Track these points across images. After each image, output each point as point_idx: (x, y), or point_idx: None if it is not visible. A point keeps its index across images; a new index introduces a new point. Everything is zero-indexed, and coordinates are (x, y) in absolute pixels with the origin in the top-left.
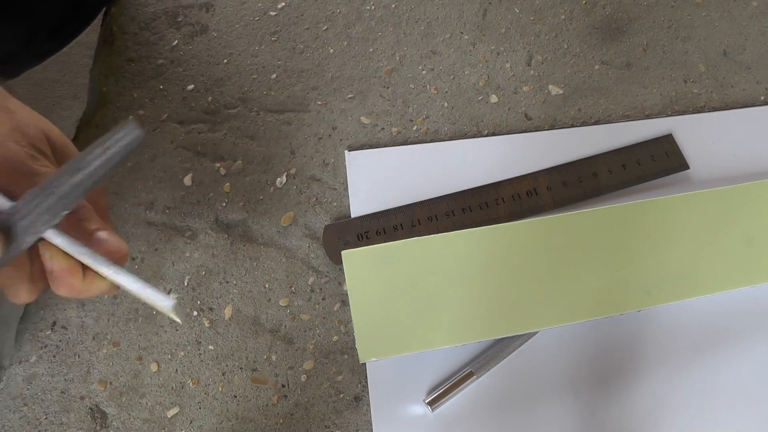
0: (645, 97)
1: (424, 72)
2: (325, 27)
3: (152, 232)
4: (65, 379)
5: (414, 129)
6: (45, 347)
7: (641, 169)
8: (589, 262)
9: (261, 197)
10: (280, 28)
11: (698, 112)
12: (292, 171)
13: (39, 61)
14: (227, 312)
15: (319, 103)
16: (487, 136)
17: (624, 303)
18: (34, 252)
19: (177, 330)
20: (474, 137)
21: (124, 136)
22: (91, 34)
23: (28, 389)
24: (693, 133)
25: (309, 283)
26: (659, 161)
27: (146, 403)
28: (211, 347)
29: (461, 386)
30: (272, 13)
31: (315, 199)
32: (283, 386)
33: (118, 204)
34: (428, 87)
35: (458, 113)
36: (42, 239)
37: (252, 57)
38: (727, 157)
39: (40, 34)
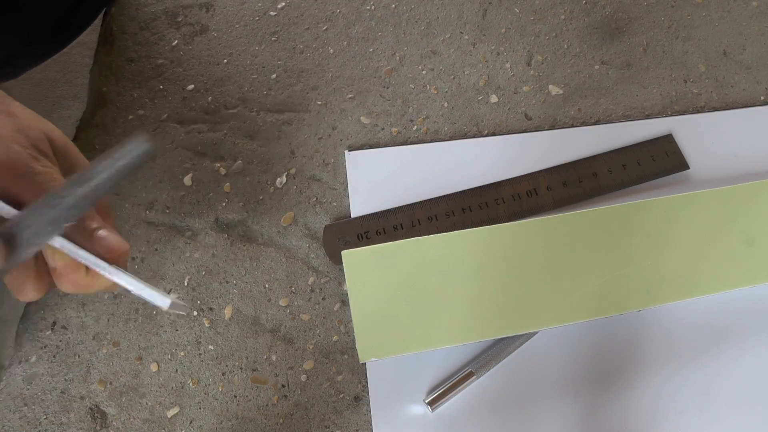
0: (645, 97)
1: (424, 72)
2: (325, 27)
3: (152, 232)
4: (65, 379)
5: (414, 129)
6: (45, 347)
7: (641, 169)
8: (589, 262)
9: (261, 197)
10: (280, 28)
11: (698, 112)
12: (292, 171)
13: (39, 62)
14: (227, 312)
15: (319, 103)
16: (487, 136)
17: (624, 303)
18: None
19: (177, 330)
20: (474, 137)
21: (133, 149)
22: (91, 34)
23: (28, 389)
24: (693, 133)
25: (309, 283)
26: (659, 161)
27: (146, 403)
28: (211, 347)
29: (461, 386)
30: (272, 13)
31: (315, 199)
32: (283, 386)
33: (118, 204)
34: (428, 87)
35: (458, 113)
36: None
37: (252, 57)
38: (727, 157)
39: (40, 34)
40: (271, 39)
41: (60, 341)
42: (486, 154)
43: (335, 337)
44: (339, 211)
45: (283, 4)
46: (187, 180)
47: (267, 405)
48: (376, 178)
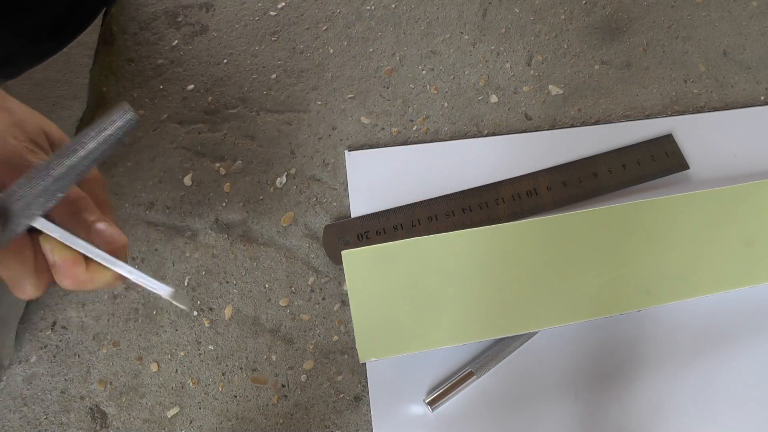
0: (645, 97)
1: (424, 72)
2: (325, 27)
3: (152, 232)
4: (65, 379)
5: (414, 129)
6: (45, 347)
7: (641, 169)
8: (589, 262)
9: (261, 197)
10: (280, 28)
11: (698, 112)
12: (292, 171)
13: (39, 61)
14: (227, 312)
15: (319, 103)
16: (487, 136)
17: (624, 303)
18: (37, 246)
19: (177, 330)
20: (474, 137)
21: (118, 119)
22: (91, 34)
23: (28, 389)
24: (693, 133)
25: (309, 283)
26: (659, 161)
27: (146, 403)
28: (211, 347)
29: (461, 386)
30: (272, 13)
31: (315, 199)
32: (283, 386)
33: (118, 204)
34: (428, 87)
35: (458, 113)
36: (41, 232)
37: (252, 57)
38: (727, 157)
39: (40, 34)
40: (271, 39)
41: (60, 341)
42: (486, 154)
43: (335, 337)
44: (339, 211)
45: (283, 4)
46: (187, 180)
47: (267, 405)
48: (376, 178)
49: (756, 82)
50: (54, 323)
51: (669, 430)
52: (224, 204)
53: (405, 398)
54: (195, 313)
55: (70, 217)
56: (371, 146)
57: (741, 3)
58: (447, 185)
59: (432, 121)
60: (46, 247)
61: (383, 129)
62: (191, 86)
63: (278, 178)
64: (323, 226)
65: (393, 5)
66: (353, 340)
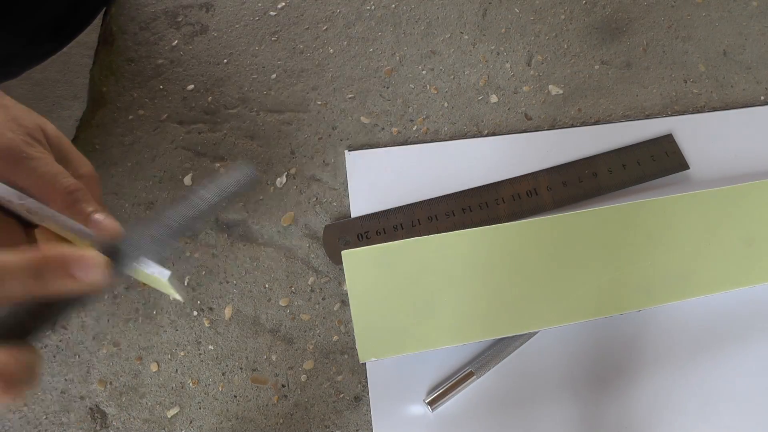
0: (645, 97)
1: (424, 72)
2: (325, 27)
3: None
4: (65, 379)
5: (414, 129)
6: (45, 347)
7: (641, 169)
8: (589, 262)
9: (261, 197)
10: (280, 28)
11: (698, 112)
12: (292, 171)
13: (39, 61)
14: (227, 312)
15: (319, 103)
16: (487, 136)
17: (624, 303)
18: (32, 240)
19: (177, 330)
20: (474, 137)
21: (239, 176)
22: (91, 34)
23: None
24: (693, 133)
25: (309, 283)
26: (659, 161)
27: (146, 403)
28: (211, 347)
29: (461, 386)
30: (272, 13)
31: (315, 199)
32: (283, 386)
33: (118, 204)
34: (428, 87)
35: (458, 113)
36: (36, 226)
37: (252, 57)
38: (727, 157)
39: (40, 34)
40: (271, 39)
41: (60, 341)
42: (486, 154)
43: (335, 337)
44: (339, 211)
45: (283, 4)
46: (187, 180)
47: (267, 405)
48: (376, 178)
49: (756, 82)
50: (54, 323)
51: (669, 430)
52: (224, 204)
53: (405, 398)
54: (195, 313)
55: (68, 207)
56: (371, 146)
57: (741, 3)
58: (447, 185)
59: (432, 121)
60: (41, 239)
61: (383, 129)
62: (191, 86)
63: (278, 178)
64: (323, 226)
65: (393, 5)
66: (353, 340)
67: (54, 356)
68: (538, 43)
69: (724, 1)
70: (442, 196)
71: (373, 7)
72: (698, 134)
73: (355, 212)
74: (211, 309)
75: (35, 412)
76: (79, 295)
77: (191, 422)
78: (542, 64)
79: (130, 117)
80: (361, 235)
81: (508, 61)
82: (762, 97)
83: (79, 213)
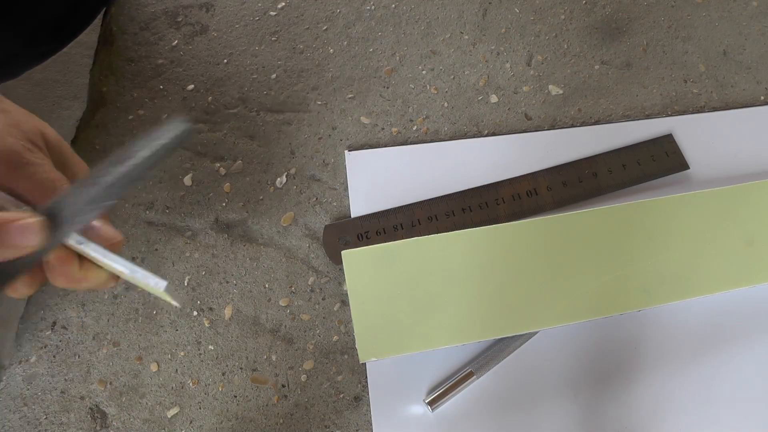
0: (645, 97)
1: (424, 72)
2: (325, 27)
3: (152, 232)
4: (65, 379)
5: (414, 129)
6: (45, 347)
7: (641, 169)
8: (589, 262)
9: (261, 197)
10: (280, 28)
11: (698, 112)
12: (292, 171)
13: (39, 61)
14: (227, 312)
15: (319, 103)
16: (487, 136)
17: (624, 303)
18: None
19: (177, 330)
20: (474, 137)
21: (171, 130)
22: (91, 34)
23: (28, 389)
24: (693, 133)
25: (309, 283)
26: (659, 161)
27: (146, 403)
28: (211, 347)
29: (461, 386)
30: (272, 13)
31: (315, 199)
32: (283, 386)
33: (118, 204)
34: (428, 87)
35: (458, 113)
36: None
37: (252, 57)
38: (727, 157)
39: (40, 34)
40: (271, 39)
41: (60, 341)
42: (486, 154)
43: (335, 337)
44: (339, 211)
45: (283, 4)
46: (187, 180)
47: (267, 405)
48: (376, 178)
49: (756, 82)
50: (54, 323)
51: (669, 430)
52: (224, 204)
53: (405, 398)
54: (195, 313)
55: None
56: (371, 146)
57: (741, 3)
58: (447, 185)
59: (432, 121)
60: None
61: (383, 129)
62: (191, 86)
63: (278, 178)
64: (323, 226)
65: (393, 5)
66: (353, 340)
67: (54, 356)
68: (538, 43)
69: (724, 1)
70: (442, 196)
71: (373, 7)
72: (698, 134)
73: (355, 212)
74: (211, 309)
75: (35, 412)
76: (19, 259)
77: (191, 422)
78: (542, 64)
79: (130, 117)
80: (361, 235)
81: (508, 61)
82: (762, 97)
83: None
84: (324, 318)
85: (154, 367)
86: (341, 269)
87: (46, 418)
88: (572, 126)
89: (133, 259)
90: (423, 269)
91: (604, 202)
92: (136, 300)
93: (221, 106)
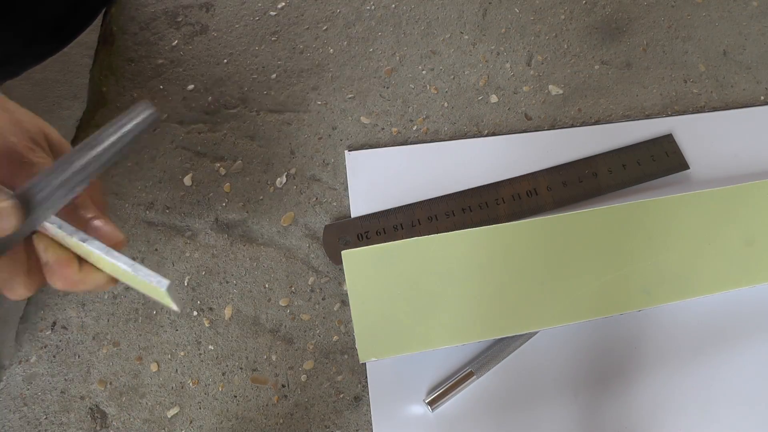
0: (645, 97)
1: (424, 72)
2: (325, 27)
3: (152, 232)
4: (65, 379)
5: (414, 129)
6: (45, 347)
7: (641, 169)
8: (589, 262)
9: (261, 197)
10: (280, 28)
11: (698, 112)
12: (292, 171)
13: (39, 61)
14: (227, 312)
15: (319, 103)
16: (487, 136)
17: (624, 303)
18: (29, 246)
19: (177, 330)
20: (474, 137)
21: (138, 115)
22: (91, 34)
23: (28, 389)
24: (693, 133)
25: (309, 283)
26: (659, 161)
27: (146, 403)
28: (211, 347)
29: (461, 386)
30: (272, 13)
31: (315, 199)
32: (283, 386)
33: (118, 204)
34: (428, 87)
35: (458, 113)
36: (36, 231)
37: (252, 57)
38: (727, 157)
39: (40, 34)
40: (271, 39)
41: (60, 341)
42: (486, 154)
43: (335, 337)
44: (339, 211)
45: (283, 4)
46: (187, 180)
47: (267, 405)
48: (376, 178)
49: (756, 82)
50: (54, 323)
51: (669, 430)
52: (224, 204)
53: (405, 398)
54: (195, 313)
55: (68, 214)
56: (371, 146)
57: (741, 3)
58: (447, 185)
59: (432, 121)
60: (40, 247)
61: (383, 129)
62: (191, 86)
63: (278, 178)
64: (323, 226)
65: (393, 5)
66: (353, 340)
67: (54, 356)
68: (538, 43)
69: (724, 1)
70: (442, 196)
71: (373, 7)
72: (698, 134)
73: (355, 212)
74: (211, 309)
75: (35, 412)
76: None
77: (191, 422)
78: (542, 64)
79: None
80: (361, 235)
81: (508, 61)
82: (762, 97)
83: (79, 219)
84: (324, 318)
85: (154, 367)
86: (341, 269)
87: (46, 418)
88: (572, 126)
89: (132, 260)
90: (423, 269)
91: (604, 202)
92: (136, 300)
93: (221, 106)
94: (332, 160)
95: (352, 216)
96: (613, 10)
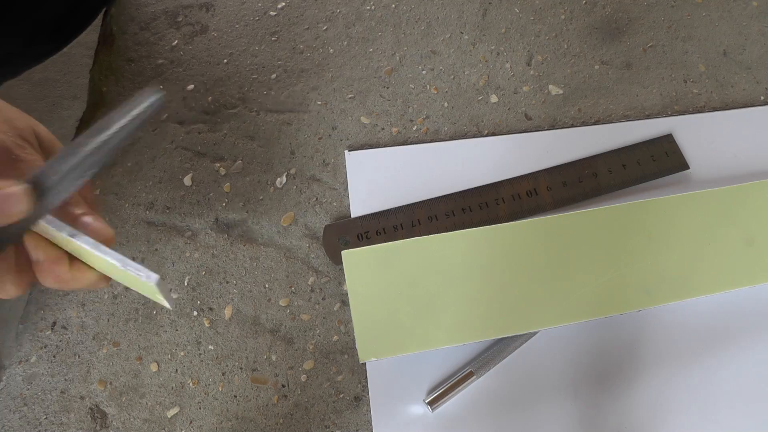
0: (645, 97)
1: (424, 72)
2: (325, 27)
3: (152, 232)
4: (65, 379)
5: (414, 129)
6: (45, 347)
7: (641, 169)
8: (589, 262)
9: (261, 197)
10: (280, 28)
11: (698, 112)
12: (292, 171)
13: (39, 61)
14: (227, 312)
15: (319, 103)
16: (487, 136)
17: (624, 303)
18: (19, 244)
19: (177, 330)
20: (474, 137)
21: (146, 99)
22: (91, 34)
23: (28, 389)
24: (693, 133)
25: (309, 283)
26: (659, 161)
27: (146, 403)
28: (211, 347)
29: (461, 386)
30: (272, 13)
31: (315, 199)
32: (283, 386)
33: (118, 204)
34: (428, 87)
35: (458, 113)
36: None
37: (252, 57)
38: (727, 157)
39: (40, 34)
40: (271, 39)
41: (60, 341)
42: (486, 154)
43: (335, 337)
44: (339, 211)
45: (283, 4)
46: (187, 180)
47: (267, 405)
48: (376, 178)
49: (756, 82)
50: (54, 323)
51: (669, 430)
52: (224, 204)
53: (405, 398)
54: (195, 313)
55: (57, 210)
56: (371, 146)
57: (741, 3)
58: (447, 185)
59: (432, 121)
60: (30, 245)
61: (383, 129)
62: (191, 86)
63: (278, 178)
64: (323, 226)
65: (393, 5)
66: (353, 340)
67: (54, 356)
68: (538, 43)
69: (724, 1)
70: (442, 196)
71: (373, 7)
72: (698, 134)
73: (355, 212)
74: (211, 309)
75: (35, 412)
76: (6, 228)
77: (191, 422)
78: (542, 64)
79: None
80: (361, 235)
81: (508, 61)
82: (762, 97)
83: (68, 215)
84: (324, 318)
85: (154, 367)
86: (341, 269)
87: (46, 418)
88: (572, 126)
89: (132, 260)
90: (423, 269)
91: (604, 202)
92: (136, 300)
93: (221, 106)
94: (332, 160)
95: (352, 216)
96: (613, 10)
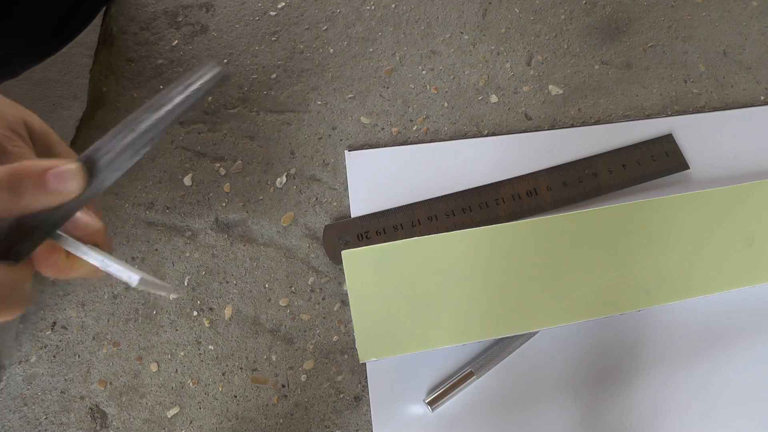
0: (645, 97)
1: (424, 72)
2: (325, 27)
3: (152, 232)
4: (65, 379)
5: (414, 129)
6: (45, 347)
7: (641, 169)
8: (589, 262)
9: (261, 197)
10: (280, 28)
11: (698, 112)
12: (292, 171)
13: (39, 61)
14: (227, 312)
15: (319, 103)
16: (487, 136)
17: (624, 303)
18: (56, 240)
19: (177, 330)
20: (474, 137)
21: (205, 74)
22: (91, 34)
23: (28, 389)
24: (693, 133)
25: (309, 283)
26: (659, 161)
27: (146, 403)
28: (211, 347)
29: (461, 386)
30: (272, 13)
31: (315, 199)
32: (283, 386)
33: (118, 204)
34: (428, 87)
35: (458, 113)
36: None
37: (252, 57)
38: (727, 157)
39: (40, 34)
40: (271, 39)
41: (60, 341)
42: (486, 154)
43: (335, 337)
44: (339, 211)
45: (283, 4)
46: (187, 180)
47: (267, 405)
48: (376, 178)
49: (756, 82)
50: (54, 323)
51: (669, 430)
52: (224, 204)
53: (405, 398)
54: (195, 313)
55: None
56: (371, 146)
57: (741, 3)
58: (447, 185)
59: (432, 121)
60: None
61: (383, 129)
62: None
63: (278, 178)
64: (323, 226)
65: (393, 5)
66: (353, 340)
67: (54, 356)
68: (538, 43)
69: (724, 1)
70: (442, 196)
71: (373, 7)
72: (698, 134)
73: (355, 212)
74: (211, 309)
75: (35, 412)
76: (59, 207)
77: (191, 422)
78: (542, 64)
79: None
80: (361, 235)
81: (508, 61)
82: (762, 97)
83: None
84: (324, 318)
85: (154, 367)
86: (341, 269)
87: (46, 418)
88: (572, 126)
89: (132, 260)
90: (423, 269)
91: (604, 202)
92: (136, 300)
93: (221, 106)
94: (332, 160)
95: (352, 216)
96: (613, 10)
